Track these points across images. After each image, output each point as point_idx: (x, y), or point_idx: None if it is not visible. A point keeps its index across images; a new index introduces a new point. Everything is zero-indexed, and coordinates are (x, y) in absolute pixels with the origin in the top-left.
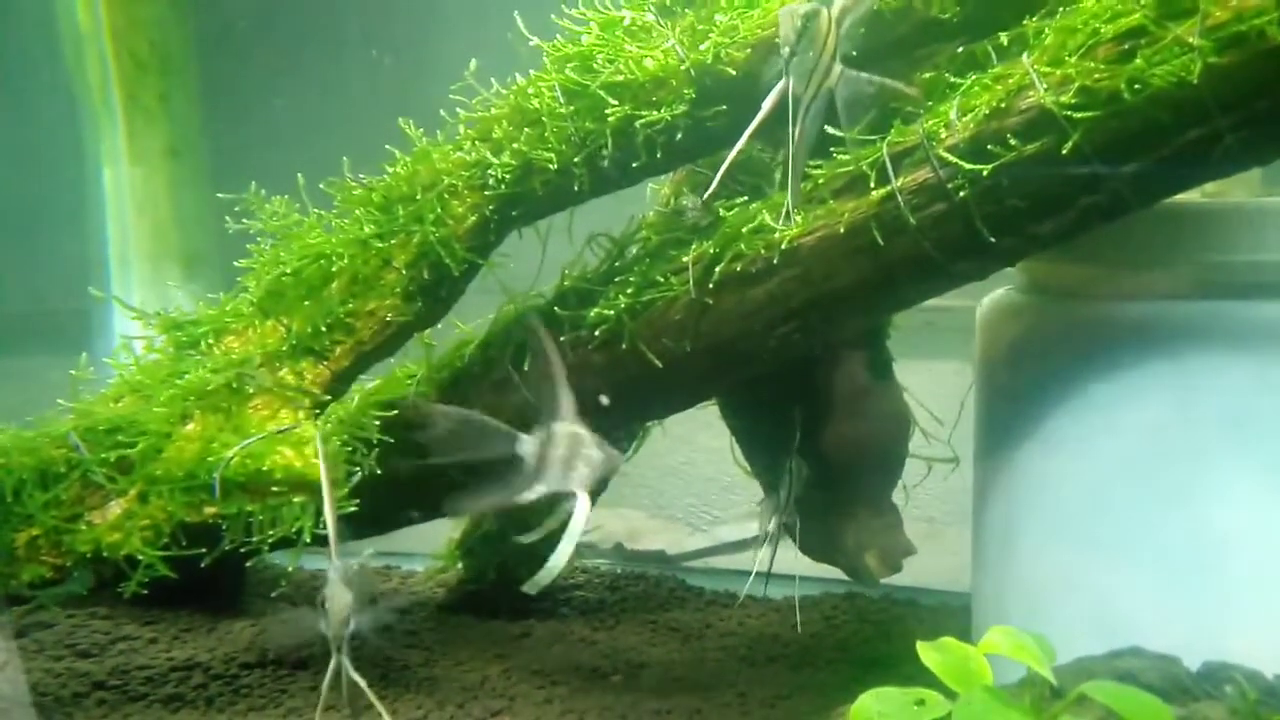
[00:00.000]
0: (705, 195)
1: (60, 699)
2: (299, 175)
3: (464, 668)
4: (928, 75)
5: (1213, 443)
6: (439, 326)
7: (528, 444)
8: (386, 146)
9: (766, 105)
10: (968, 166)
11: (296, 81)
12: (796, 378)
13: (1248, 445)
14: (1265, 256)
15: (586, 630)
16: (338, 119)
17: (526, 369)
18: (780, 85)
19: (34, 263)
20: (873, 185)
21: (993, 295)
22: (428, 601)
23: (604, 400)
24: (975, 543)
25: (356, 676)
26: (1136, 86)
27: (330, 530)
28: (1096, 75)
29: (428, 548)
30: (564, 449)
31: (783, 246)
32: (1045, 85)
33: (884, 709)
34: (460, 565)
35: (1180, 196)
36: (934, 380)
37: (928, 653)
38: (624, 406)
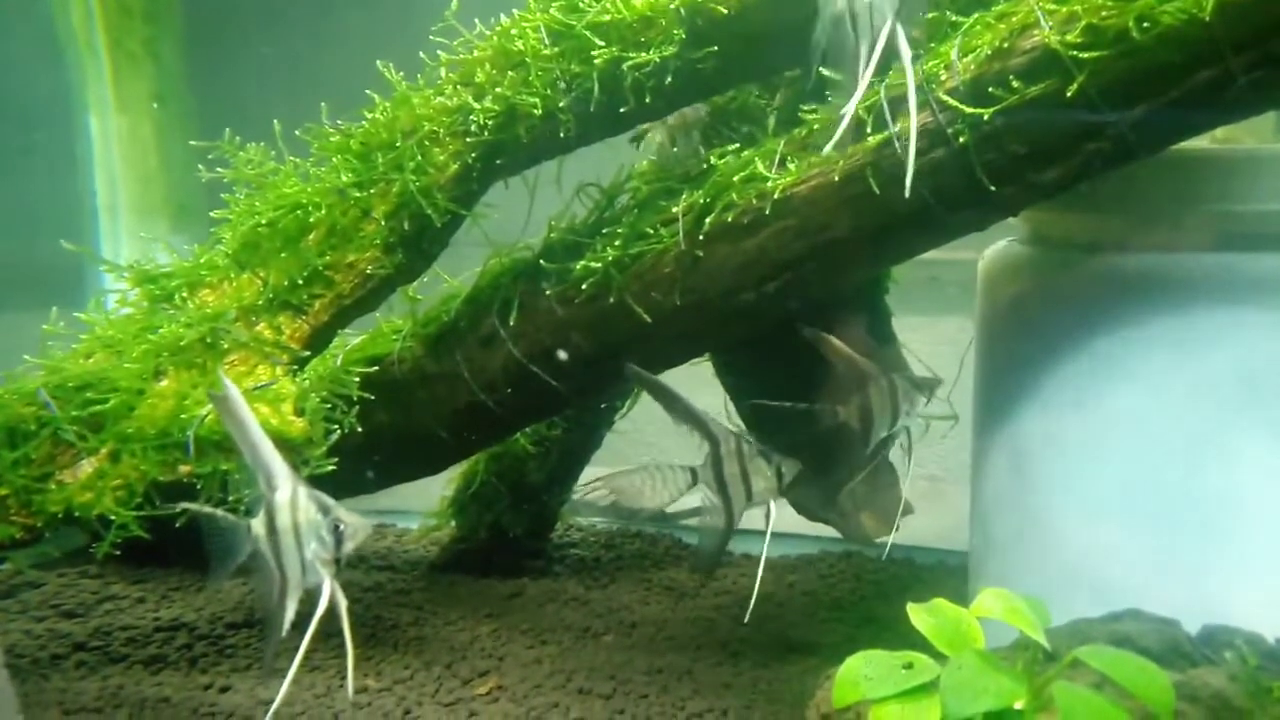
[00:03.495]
0: (829, 145)
1: (38, 661)
2: (275, 121)
3: (454, 627)
4: (929, 14)
5: (1221, 400)
6: (425, 280)
7: (704, 473)
8: (368, 92)
9: (884, 35)
10: (968, 110)
11: (284, 26)
12: (791, 334)
13: (1257, 403)
14: (1278, 206)
15: (580, 589)
16: (327, 64)
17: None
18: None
19: (24, 215)
20: (869, 131)
21: (995, 247)
22: (420, 560)
23: (562, 355)
24: (973, 501)
25: (343, 604)
26: (1145, 24)
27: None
28: (1104, 13)
29: (423, 505)
30: (735, 466)
31: (775, 196)
32: (1050, 23)
33: (871, 672)
34: (453, 523)
35: (1190, 143)
36: (936, 336)
37: (919, 615)
38: (612, 362)
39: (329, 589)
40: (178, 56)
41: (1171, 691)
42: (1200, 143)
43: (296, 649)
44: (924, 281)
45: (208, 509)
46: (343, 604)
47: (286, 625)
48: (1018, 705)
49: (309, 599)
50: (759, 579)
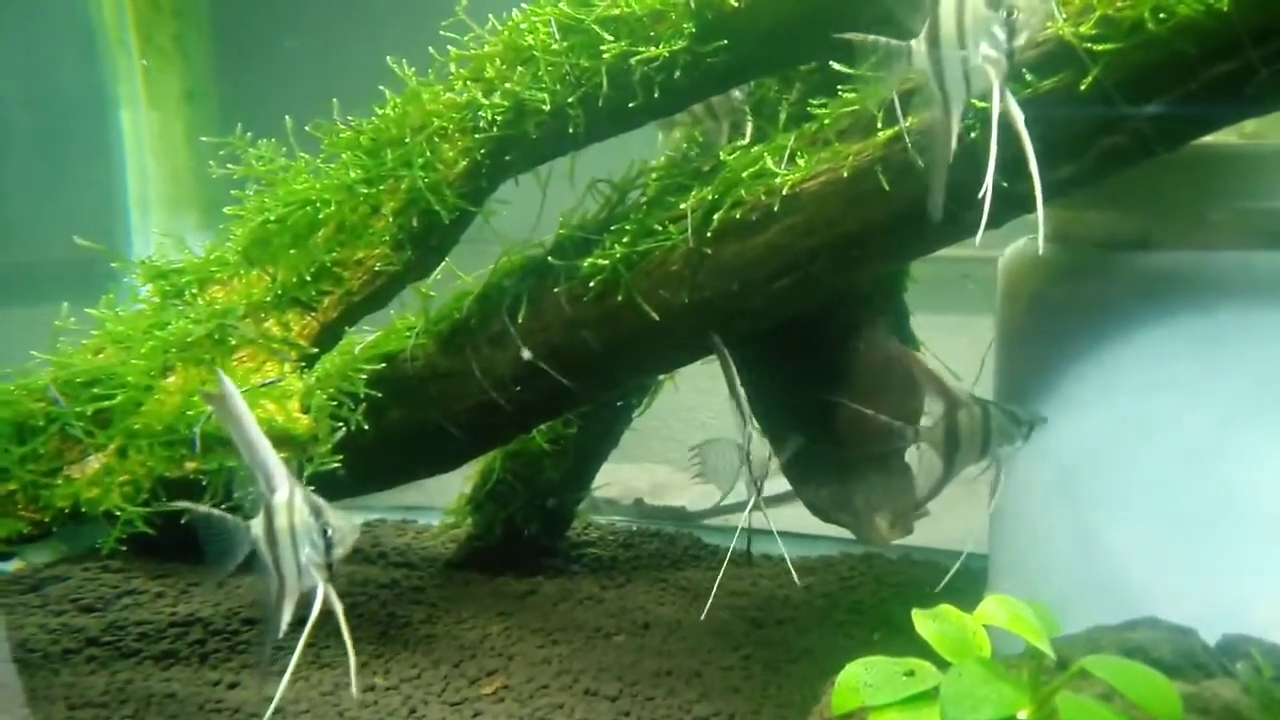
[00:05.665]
0: (979, 235)
1: (49, 656)
2: (286, 118)
3: (465, 625)
4: None
5: (1242, 401)
6: (438, 277)
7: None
8: (380, 87)
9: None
10: (980, 104)
11: (310, 20)
12: (804, 334)
13: (1279, 405)
14: None
15: (595, 588)
16: (355, 59)
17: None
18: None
19: (60, 210)
20: (880, 126)
21: (1015, 245)
22: (438, 557)
23: (525, 355)
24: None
25: (339, 609)
26: (1162, 15)
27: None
28: (1119, 4)
29: (447, 502)
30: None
31: (784, 193)
32: (1064, 15)
33: (872, 679)
34: (470, 521)
35: (1215, 138)
36: (970, 335)
37: (924, 621)
38: (622, 360)
39: (322, 594)
40: (205, 50)
41: (1179, 703)
42: (1228, 137)
43: (294, 649)
44: (956, 280)
45: (205, 508)
46: (339, 609)
47: (283, 628)
48: (1022, 715)
49: (308, 601)
50: (720, 574)
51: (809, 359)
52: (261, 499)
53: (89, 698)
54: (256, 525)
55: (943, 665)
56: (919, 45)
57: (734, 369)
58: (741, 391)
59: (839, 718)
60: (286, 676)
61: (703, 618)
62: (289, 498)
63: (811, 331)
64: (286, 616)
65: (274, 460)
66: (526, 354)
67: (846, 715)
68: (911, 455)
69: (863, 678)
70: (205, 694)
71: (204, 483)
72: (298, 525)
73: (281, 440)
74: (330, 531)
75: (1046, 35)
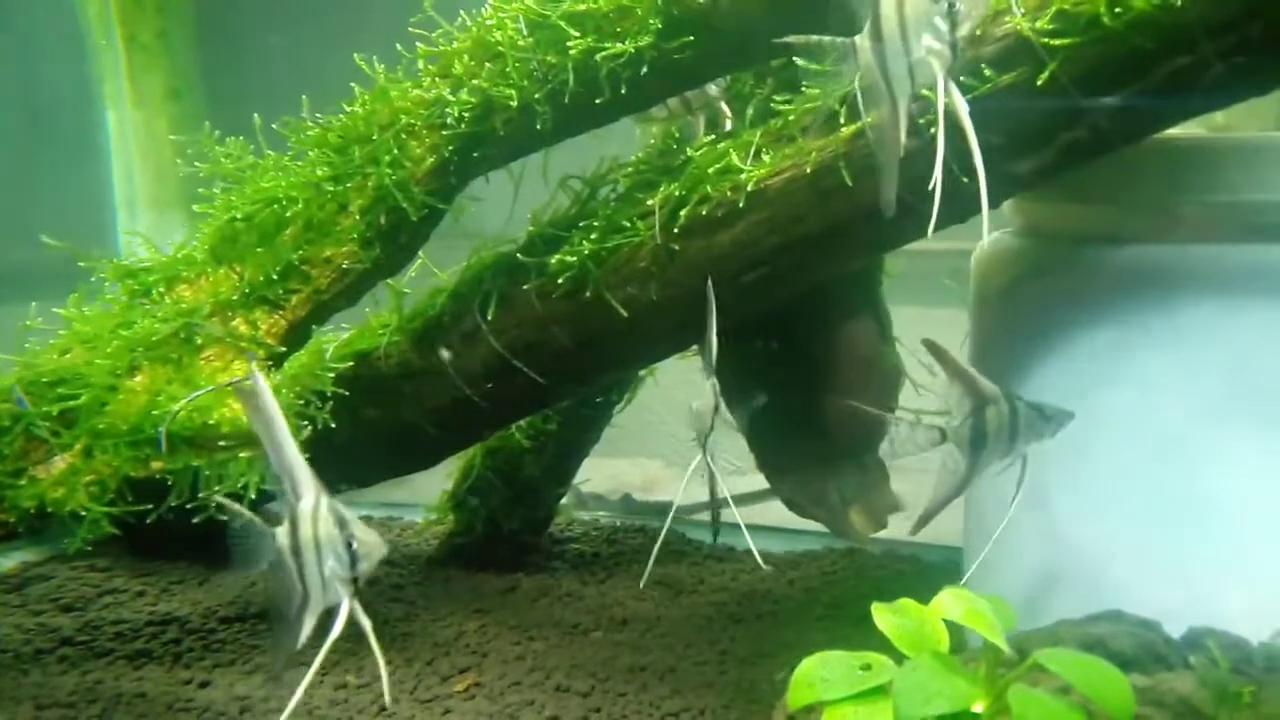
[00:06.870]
0: (930, 230)
1: (20, 656)
2: (255, 116)
3: (442, 623)
4: None
5: (1212, 396)
6: (413, 274)
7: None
8: (351, 84)
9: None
10: (931, 97)
11: (294, 17)
12: (779, 329)
13: (1249, 399)
14: (1272, 196)
15: (576, 584)
16: (341, 56)
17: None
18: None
19: (52, 209)
20: (843, 122)
21: (988, 238)
22: (420, 554)
23: (444, 354)
24: (966, 499)
25: (367, 625)
26: (1118, 10)
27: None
28: None
29: (435, 499)
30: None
31: (749, 189)
32: (1022, 10)
33: (828, 673)
34: (451, 518)
35: (1183, 131)
36: (963, 329)
37: (883, 615)
38: (593, 356)
39: (345, 611)
40: (189, 47)
41: (1131, 697)
42: (1197, 130)
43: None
44: (948, 275)
45: (238, 508)
46: (367, 625)
47: (301, 640)
48: (978, 709)
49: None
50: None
51: (789, 355)
52: (287, 505)
53: (57, 698)
54: (282, 534)
55: (902, 660)
56: (864, 41)
57: (715, 320)
58: (714, 340)
59: (796, 711)
60: (301, 690)
61: (642, 585)
62: (314, 507)
63: (790, 328)
64: (307, 629)
65: (301, 465)
66: (445, 354)
67: (804, 709)
68: (885, 452)
69: (819, 672)
70: (175, 693)
71: (170, 483)
72: (322, 537)
73: (247, 440)
74: (355, 545)
75: (1005, 30)
